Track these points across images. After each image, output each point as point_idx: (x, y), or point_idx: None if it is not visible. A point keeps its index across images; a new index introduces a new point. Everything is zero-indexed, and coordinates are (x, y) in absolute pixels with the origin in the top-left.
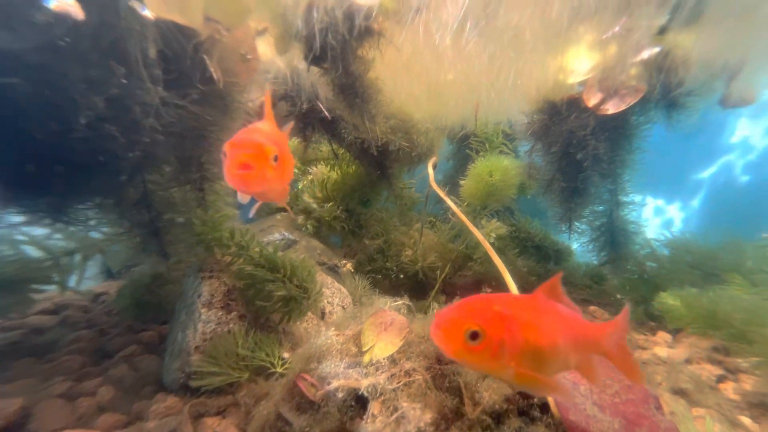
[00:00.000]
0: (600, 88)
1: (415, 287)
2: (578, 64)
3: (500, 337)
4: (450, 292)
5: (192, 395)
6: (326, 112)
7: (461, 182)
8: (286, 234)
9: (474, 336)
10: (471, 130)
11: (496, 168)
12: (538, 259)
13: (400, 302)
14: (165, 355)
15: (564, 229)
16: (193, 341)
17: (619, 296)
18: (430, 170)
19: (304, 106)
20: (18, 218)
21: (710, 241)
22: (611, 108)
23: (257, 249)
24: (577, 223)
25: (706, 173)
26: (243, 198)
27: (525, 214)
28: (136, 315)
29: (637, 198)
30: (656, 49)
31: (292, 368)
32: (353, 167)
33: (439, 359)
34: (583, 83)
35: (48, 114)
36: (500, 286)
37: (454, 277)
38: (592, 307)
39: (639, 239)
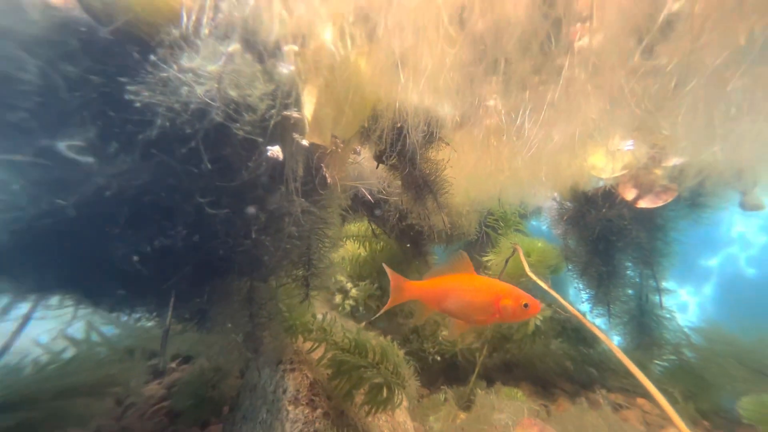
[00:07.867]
0: (634, 184)
1: (448, 370)
2: (607, 164)
3: None
4: (487, 376)
5: None
6: (369, 196)
7: (483, 259)
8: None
9: None
10: (490, 210)
11: (532, 249)
12: (574, 341)
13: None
14: None
15: (601, 312)
16: None
17: (667, 388)
18: (523, 258)
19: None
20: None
21: (744, 333)
22: (647, 203)
23: (341, 332)
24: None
25: (714, 261)
26: None
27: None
28: (194, 416)
29: (669, 284)
30: (678, 160)
31: None
32: (381, 244)
33: None
34: (616, 179)
35: (224, 230)
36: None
37: (488, 360)
38: (640, 400)
39: (672, 325)
